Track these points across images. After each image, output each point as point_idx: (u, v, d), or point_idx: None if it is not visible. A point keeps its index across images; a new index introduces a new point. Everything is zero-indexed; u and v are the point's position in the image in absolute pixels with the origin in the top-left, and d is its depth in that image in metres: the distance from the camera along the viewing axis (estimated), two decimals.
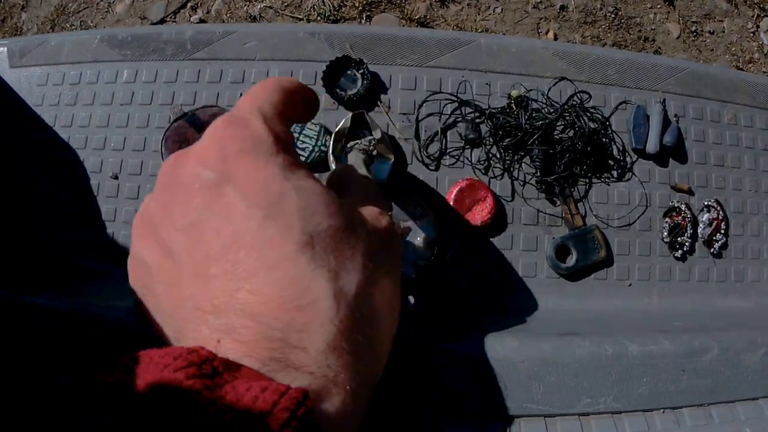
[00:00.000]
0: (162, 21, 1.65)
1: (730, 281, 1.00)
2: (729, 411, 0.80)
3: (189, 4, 1.65)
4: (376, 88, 0.96)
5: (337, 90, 0.95)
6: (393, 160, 0.87)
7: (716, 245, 0.99)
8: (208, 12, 1.64)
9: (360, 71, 0.96)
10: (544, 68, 0.99)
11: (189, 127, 0.96)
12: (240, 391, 0.29)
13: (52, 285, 0.93)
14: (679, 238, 0.97)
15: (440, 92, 0.96)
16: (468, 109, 0.95)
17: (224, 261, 0.36)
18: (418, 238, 0.91)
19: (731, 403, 0.80)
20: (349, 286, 0.38)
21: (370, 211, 0.45)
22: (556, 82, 0.98)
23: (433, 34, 0.99)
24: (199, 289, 0.37)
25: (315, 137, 0.92)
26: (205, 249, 0.37)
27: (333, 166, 0.89)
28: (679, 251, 0.97)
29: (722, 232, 0.99)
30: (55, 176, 1.01)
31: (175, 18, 1.64)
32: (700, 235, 0.98)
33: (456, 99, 0.95)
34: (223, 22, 1.60)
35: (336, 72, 0.96)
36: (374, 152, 0.89)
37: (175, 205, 0.40)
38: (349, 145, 0.89)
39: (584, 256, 0.94)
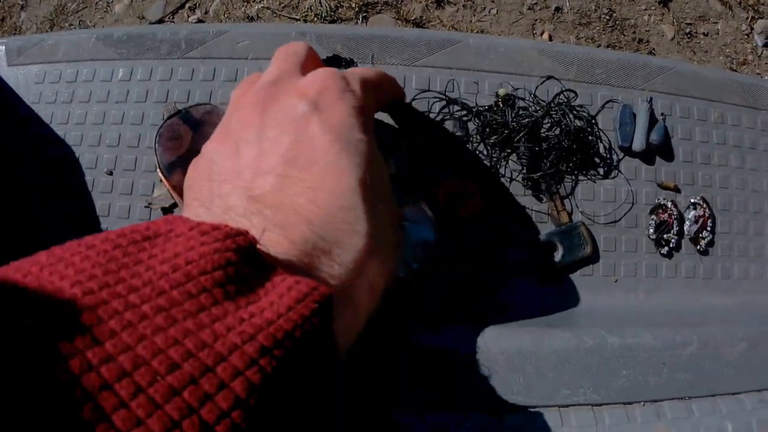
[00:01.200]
0: (160, 21, 1.68)
1: (716, 278, 1.02)
2: (710, 405, 0.82)
3: (187, 5, 1.68)
4: None
5: None
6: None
7: (702, 242, 1.01)
8: (206, 12, 1.67)
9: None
10: (532, 67, 1.01)
11: (182, 124, 0.99)
12: (276, 281, 0.34)
13: None
14: (665, 235, 0.99)
15: (429, 90, 0.98)
16: (456, 108, 0.97)
17: (297, 168, 0.43)
18: (416, 239, 0.93)
19: (712, 397, 0.82)
20: (379, 228, 0.45)
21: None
22: (543, 81, 1.00)
23: (422, 34, 1.01)
24: (264, 183, 0.43)
25: None
26: (282, 153, 0.44)
27: None
28: (666, 248, 0.99)
29: (708, 229, 1.01)
30: (52, 173, 1.04)
31: (173, 18, 1.67)
32: (686, 232, 1.00)
33: (444, 97, 0.97)
34: (221, 22, 1.63)
35: None
36: None
37: (266, 119, 0.47)
38: None
39: (570, 251, 0.96)
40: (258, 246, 0.36)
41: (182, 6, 1.66)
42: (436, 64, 1.00)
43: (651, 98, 1.03)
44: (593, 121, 1.00)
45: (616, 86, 1.03)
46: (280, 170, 0.43)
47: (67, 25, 1.70)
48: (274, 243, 0.38)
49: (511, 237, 0.96)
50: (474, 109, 0.97)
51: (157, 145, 1.00)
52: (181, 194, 1.00)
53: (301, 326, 0.32)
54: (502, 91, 0.98)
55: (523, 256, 0.96)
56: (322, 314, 0.34)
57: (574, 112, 0.98)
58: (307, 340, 0.32)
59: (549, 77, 1.01)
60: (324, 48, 1.01)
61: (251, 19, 1.62)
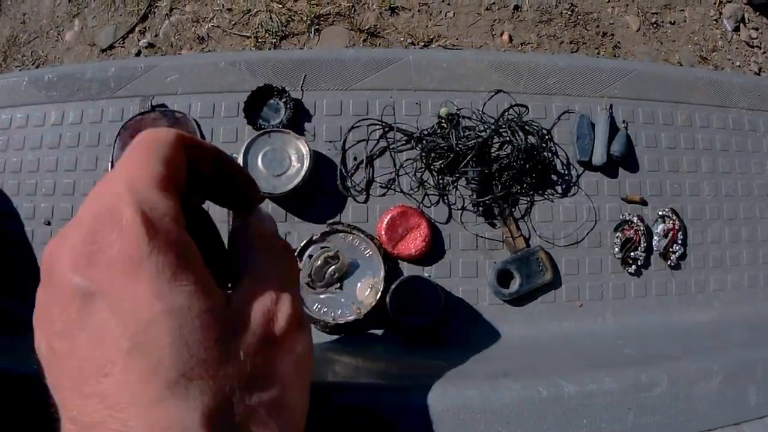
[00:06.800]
0: (111, 47, 1.55)
1: (690, 293, 0.88)
2: None
3: (137, 29, 1.55)
4: (300, 116, 0.86)
5: (260, 121, 0.85)
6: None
7: (673, 257, 0.87)
8: (156, 35, 1.54)
9: (283, 100, 0.85)
10: (478, 82, 0.87)
11: (152, 124, 0.88)
12: None
13: None
14: (632, 253, 0.86)
15: (367, 117, 0.85)
16: (398, 135, 0.84)
17: (96, 384, 0.29)
18: (363, 280, 0.81)
19: None
20: (226, 424, 0.31)
21: (262, 311, 0.36)
22: (492, 96, 0.87)
23: (358, 53, 0.88)
24: (75, 402, 0.29)
25: None
26: (79, 364, 0.30)
27: None
28: (633, 266, 0.86)
29: (679, 242, 0.87)
30: None
31: (123, 43, 1.54)
32: (655, 248, 0.87)
33: (381, 124, 0.84)
34: (172, 45, 1.50)
35: (258, 102, 0.86)
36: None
37: (52, 306, 0.31)
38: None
39: (528, 279, 0.83)
40: None
41: (132, 30, 1.53)
42: (374, 86, 0.87)
43: (611, 105, 0.88)
44: (548, 135, 0.86)
45: (572, 95, 0.89)
46: (86, 388, 0.29)
47: (20, 56, 1.58)
48: None
49: (462, 268, 0.84)
50: (415, 135, 0.84)
51: (117, 138, 0.88)
52: None
53: None
54: (443, 111, 0.84)
55: (477, 288, 0.84)
56: None
57: (526, 128, 0.85)
58: None
59: (497, 91, 0.87)
60: (256, 77, 0.88)
61: (202, 39, 1.49)
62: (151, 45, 1.53)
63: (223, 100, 0.88)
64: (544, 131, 0.86)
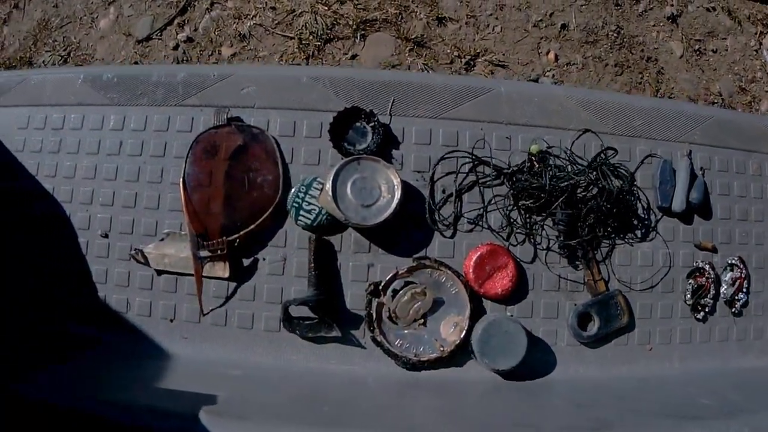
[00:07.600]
0: (148, 38, 1.46)
1: (749, 339, 0.90)
2: None
3: (176, 21, 1.46)
4: (387, 142, 0.82)
5: (345, 144, 0.81)
6: None
7: (738, 304, 0.88)
8: (195, 29, 1.45)
9: (371, 124, 0.82)
10: (568, 119, 0.85)
11: (224, 142, 0.82)
12: None
13: (42, 360, 0.79)
14: (702, 300, 0.86)
15: (457, 149, 0.82)
16: (488, 169, 0.82)
17: None
18: (447, 318, 0.80)
19: None
20: None
21: None
22: (580, 135, 0.85)
23: (448, 80, 0.86)
24: None
25: None
26: None
27: None
28: (701, 312, 0.87)
29: (744, 290, 0.88)
30: (41, 233, 0.86)
31: (161, 35, 1.45)
32: (722, 295, 0.88)
33: (472, 157, 0.82)
34: (212, 41, 1.42)
35: (344, 124, 0.82)
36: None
37: None
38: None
39: (606, 323, 0.83)
40: None
41: (170, 23, 1.44)
42: (464, 117, 0.84)
43: (690, 151, 0.88)
44: (633, 179, 0.85)
45: (656, 139, 0.88)
46: None
47: (51, 41, 1.47)
48: None
49: (543, 309, 0.83)
50: (506, 171, 0.82)
51: (190, 150, 0.83)
52: (197, 227, 0.83)
53: None
54: (534, 148, 0.82)
55: (557, 329, 0.83)
56: None
57: (614, 171, 0.84)
58: None
59: (586, 131, 0.85)
60: (340, 97, 0.83)
61: (243, 37, 1.40)
62: (189, 39, 1.44)
63: (305, 118, 0.83)
64: (629, 174, 0.85)
